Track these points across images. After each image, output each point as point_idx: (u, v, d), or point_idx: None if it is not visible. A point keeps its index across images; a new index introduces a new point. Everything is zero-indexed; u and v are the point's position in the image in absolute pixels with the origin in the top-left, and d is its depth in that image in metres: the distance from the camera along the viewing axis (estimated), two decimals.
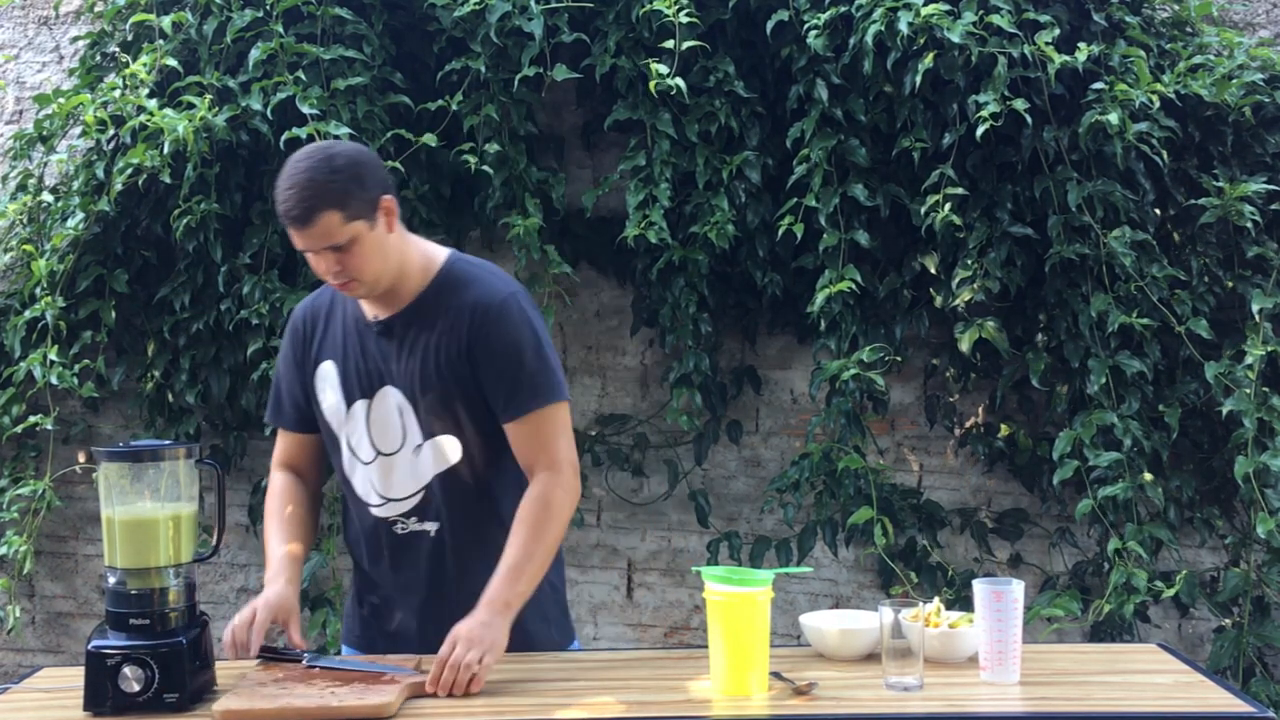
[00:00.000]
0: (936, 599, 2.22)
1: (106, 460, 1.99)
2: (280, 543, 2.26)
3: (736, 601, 1.94)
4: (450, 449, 2.18)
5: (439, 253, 2.24)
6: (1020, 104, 3.29)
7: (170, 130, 3.34)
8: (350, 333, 2.24)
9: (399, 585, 2.26)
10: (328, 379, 2.25)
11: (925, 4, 3.32)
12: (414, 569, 2.24)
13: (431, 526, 2.21)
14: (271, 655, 2.06)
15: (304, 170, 2.06)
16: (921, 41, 3.35)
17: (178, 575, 1.96)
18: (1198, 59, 3.48)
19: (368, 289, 2.13)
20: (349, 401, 2.23)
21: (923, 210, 3.41)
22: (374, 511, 2.24)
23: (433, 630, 2.10)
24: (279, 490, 2.34)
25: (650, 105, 3.52)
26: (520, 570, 2.10)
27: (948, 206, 3.36)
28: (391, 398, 2.19)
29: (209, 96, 3.45)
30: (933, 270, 3.55)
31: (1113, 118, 3.27)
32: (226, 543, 3.97)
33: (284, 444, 2.37)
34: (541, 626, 2.25)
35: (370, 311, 2.22)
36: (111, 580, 1.96)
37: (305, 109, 3.39)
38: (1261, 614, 3.45)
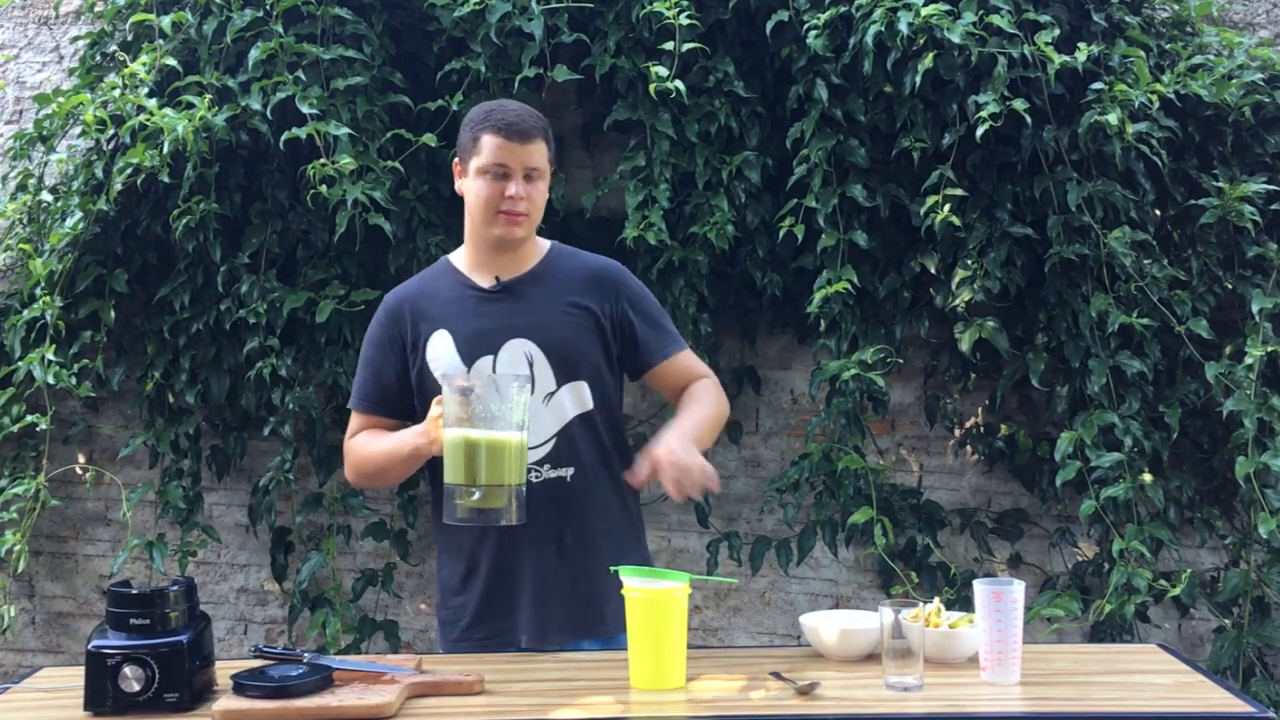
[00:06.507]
0: (936, 599, 2.22)
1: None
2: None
3: (654, 598, 1.97)
4: (586, 394, 2.32)
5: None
6: (1020, 104, 3.29)
7: (169, 130, 3.34)
8: (461, 300, 2.34)
9: (528, 538, 2.27)
10: (441, 347, 2.31)
11: (925, 4, 3.31)
12: (548, 516, 2.27)
13: (567, 472, 2.29)
14: (271, 655, 2.06)
15: (520, 105, 2.35)
16: (921, 41, 3.35)
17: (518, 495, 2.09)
18: (1197, 59, 3.48)
19: (528, 228, 2.33)
20: (470, 361, 2.29)
21: (922, 211, 3.41)
22: None
23: (556, 581, 2.28)
24: (364, 435, 2.39)
25: (650, 106, 3.52)
26: (700, 426, 2.30)
27: (947, 208, 3.36)
28: (521, 348, 2.29)
29: (208, 96, 3.45)
30: (932, 270, 3.55)
31: (1112, 118, 3.27)
32: (226, 543, 3.97)
33: (359, 423, 2.41)
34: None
35: (485, 278, 2.35)
36: (476, 496, 2.03)
37: (305, 109, 3.39)
38: (1261, 614, 3.45)
